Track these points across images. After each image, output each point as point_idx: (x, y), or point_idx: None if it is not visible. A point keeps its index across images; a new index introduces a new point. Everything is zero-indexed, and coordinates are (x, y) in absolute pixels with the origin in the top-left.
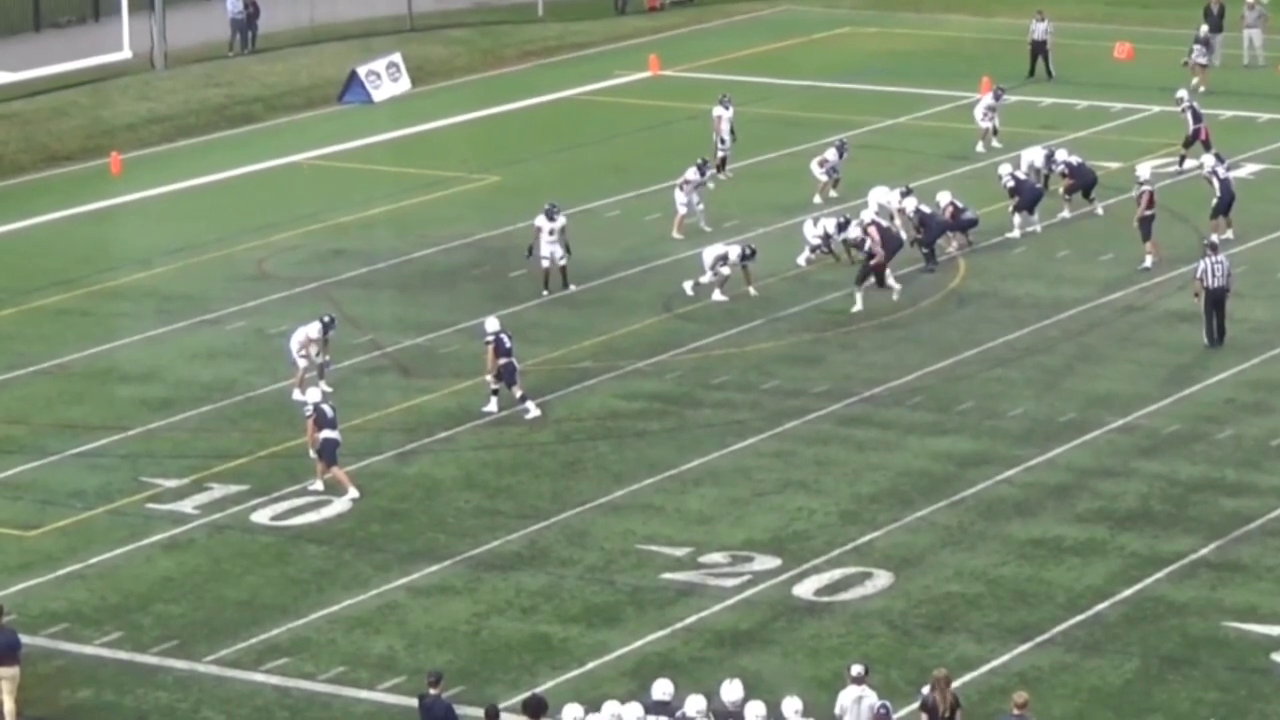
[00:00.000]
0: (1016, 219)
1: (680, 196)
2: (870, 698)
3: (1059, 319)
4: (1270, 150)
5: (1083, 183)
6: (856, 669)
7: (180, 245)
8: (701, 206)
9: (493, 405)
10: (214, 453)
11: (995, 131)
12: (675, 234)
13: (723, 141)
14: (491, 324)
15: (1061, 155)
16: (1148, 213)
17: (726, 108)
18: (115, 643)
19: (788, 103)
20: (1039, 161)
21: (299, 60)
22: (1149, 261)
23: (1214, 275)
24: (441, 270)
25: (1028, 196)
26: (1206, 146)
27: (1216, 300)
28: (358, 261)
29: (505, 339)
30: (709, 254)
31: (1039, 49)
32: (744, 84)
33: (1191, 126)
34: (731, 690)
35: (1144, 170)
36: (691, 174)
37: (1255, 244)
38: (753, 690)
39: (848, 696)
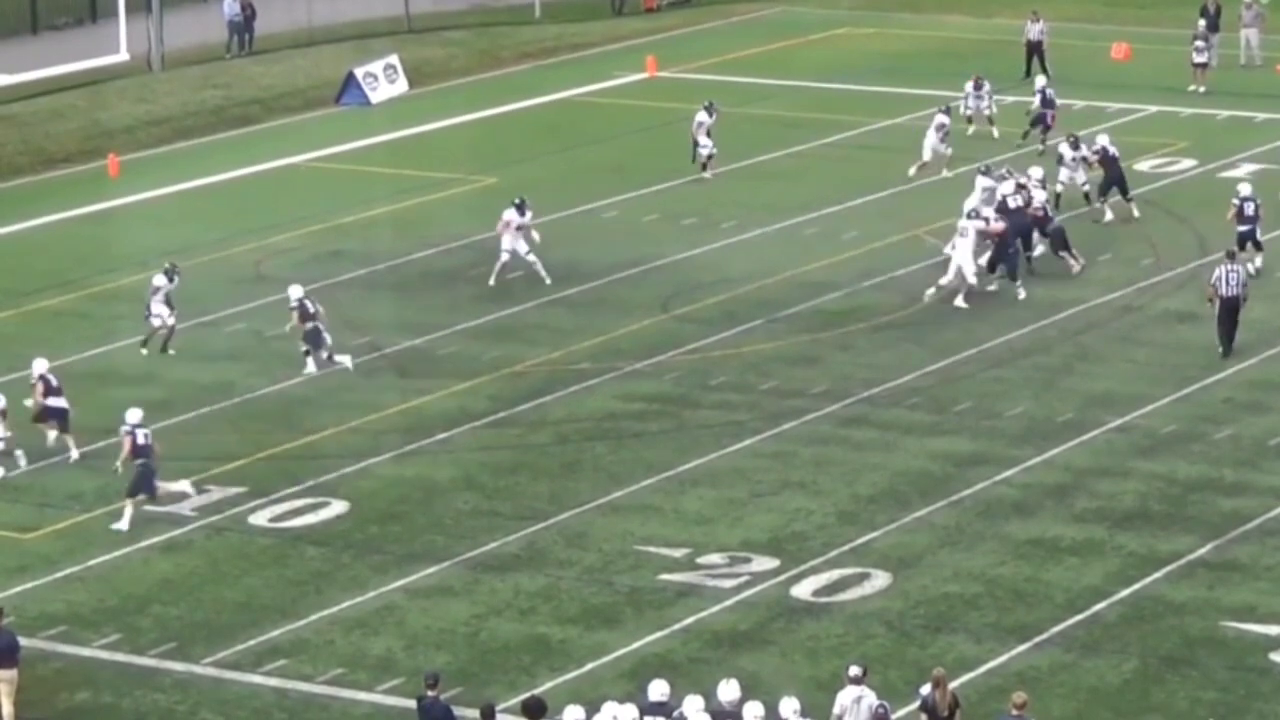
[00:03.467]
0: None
1: (505, 241)
2: (869, 698)
3: (1057, 319)
4: (1267, 150)
5: (1113, 176)
6: (855, 669)
7: (178, 247)
8: (533, 256)
9: (311, 367)
10: (212, 455)
11: (991, 121)
12: (491, 281)
13: (700, 144)
14: (295, 291)
15: (1102, 140)
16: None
17: (710, 114)
18: (113, 645)
19: (785, 103)
20: (1066, 151)
21: (296, 62)
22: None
23: (1228, 283)
24: (439, 272)
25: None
26: (1045, 130)
27: (1230, 309)
28: (356, 263)
29: (309, 305)
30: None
31: (1034, 49)
32: (741, 85)
33: (1039, 109)
34: (729, 690)
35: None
36: (510, 215)
37: None
38: (751, 691)
39: (846, 697)
